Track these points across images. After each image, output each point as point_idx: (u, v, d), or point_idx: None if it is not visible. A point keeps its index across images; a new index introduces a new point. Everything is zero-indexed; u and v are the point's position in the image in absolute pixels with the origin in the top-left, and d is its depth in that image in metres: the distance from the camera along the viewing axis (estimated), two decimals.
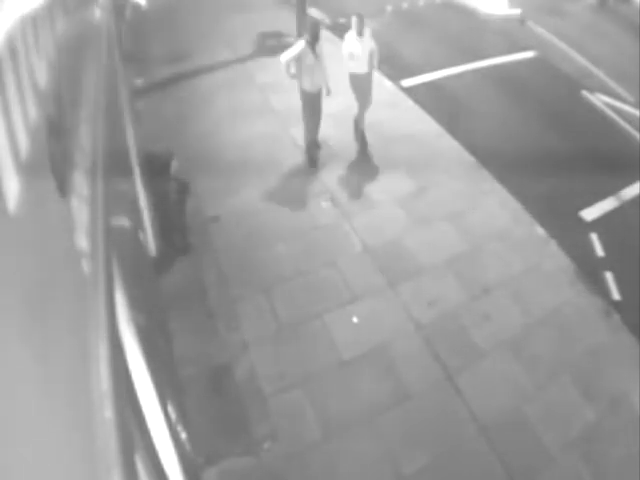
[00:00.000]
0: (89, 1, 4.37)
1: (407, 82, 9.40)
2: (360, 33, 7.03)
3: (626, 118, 8.60)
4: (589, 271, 5.79)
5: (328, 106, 7.28)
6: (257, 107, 8.65)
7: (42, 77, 1.69)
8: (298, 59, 6.74)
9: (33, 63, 1.59)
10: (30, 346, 1.10)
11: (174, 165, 5.99)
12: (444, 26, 11.99)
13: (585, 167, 7.24)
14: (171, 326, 4.95)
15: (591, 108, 8.94)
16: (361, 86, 7.28)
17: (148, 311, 3.64)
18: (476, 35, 11.44)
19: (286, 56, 6.79)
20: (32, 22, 1.69)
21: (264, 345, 4.95)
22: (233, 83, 9.41)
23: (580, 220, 6.50)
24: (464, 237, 6.15)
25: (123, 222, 3.53)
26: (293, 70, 6.86)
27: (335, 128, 7.78)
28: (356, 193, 6.87)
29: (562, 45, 10.94)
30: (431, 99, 8.87)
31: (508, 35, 11.51)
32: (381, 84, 8.81)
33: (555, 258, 5.91)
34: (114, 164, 2.95)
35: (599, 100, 9.06)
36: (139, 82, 9.12)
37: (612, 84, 9.51)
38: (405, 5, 13.11)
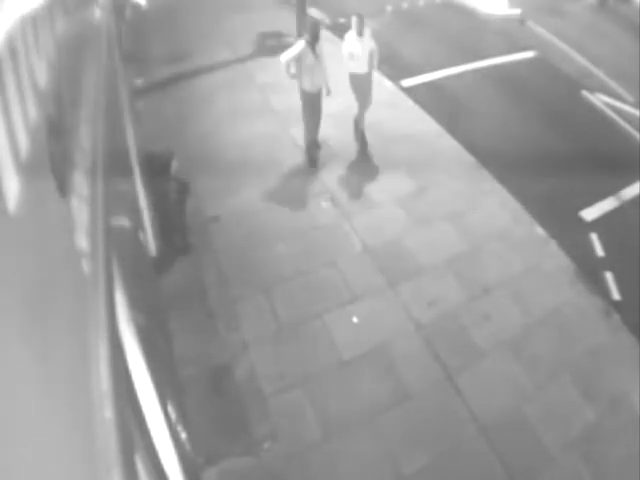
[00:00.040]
0: (89, 1, 4.37)
1: (407, 82, 9.40)
2: (360, 33, 7.03)
3: (626, 118, 8.60)
4: (589, 271, 5.79)
5: (328, 106, 7.28)
6: (257, 107, 8.65)
7: (42, 77, 1.69)
8: (298, 59, 6.74)
9: (33, 63, 1.59)
10: (30, 346, 1.10)
11: (174, 165, 5.99)
12: (444, 26, 11.99)
13: (585, 167, 7.24)
14: (171, 326, 4.95)
15: (591, 108, 8.94)
16: (361, 86, 7.29)
17: (148, 311, 3.64)
18: (476, 35, 11.44)
19: (286, 56, 6.79)
20: (32, 22, 1.69)
21: (264, 345, 4.95)
22: (233, 83, 9.41)
23: (580, 220, 6.50)
24: (464, 237, 6.15)
25: (123, 222, 3.53)
26: (293, 70, 6.86)
27: (335, 128, 7.78)
28: (356, 193, 6.87)
29: (562, 45, 10.94)
30: (431, 99, 8.87)
31: (508, 35, 11.50)
32: (381, 84, 8.81)
33: (555, 258, 5.91)
34: (114, 164, 2.94)
35: (599, 100, 9.06)
36: (139, 82, 9.12)
37: (612, 84, 9.51)
38: (405, 5, 13.11)
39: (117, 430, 1.43)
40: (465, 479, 4.04)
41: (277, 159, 7.39)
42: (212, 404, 4.45)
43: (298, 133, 7.57)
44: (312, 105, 7.03)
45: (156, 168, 5.60)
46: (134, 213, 4.65)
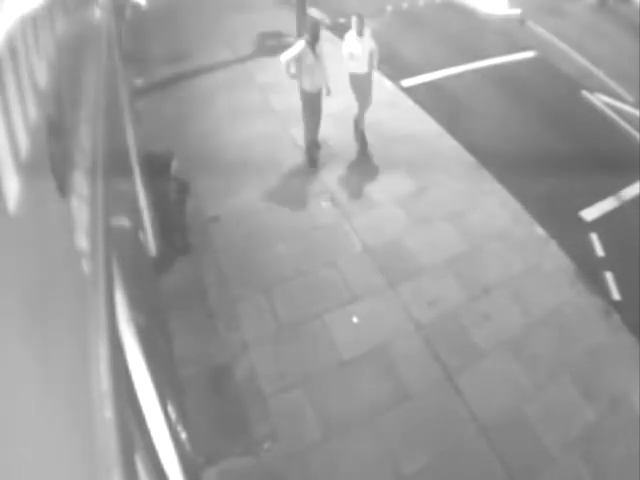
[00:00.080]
0: (89, 1, 4.37)
1: (407, 82, 9.40)
2: (360, 33, 7.03)
3: (626, 118, 8.60)
4: (589, 271, 5.79)
5: (328, 106, 7.28)
6: (257, 107, 8.65)
7: (42, 77, 1.69)
8: (298, 59, 6.74)
9: (33, 63, 1.59)
10: (30, 346, 1.10)
11: (174, 165, 5.99)
12: (444, 26, 11.99)
13: (585, 167, 7.24)
14: (171, 326, 4.95)
15: (591, 108, 8.94)
16: (361, 86, 7.29)
17: (148, 311, 3.64)
18: (476, 35, 11.44)
19: (286, 56, 6.79)
20: (32, 22, 1.69)
21: (264, 345, 4.95)
22: (233, 83, 9.41)
23: (580, 220, 6.50)
24: (464, 237, 6.15)
25: (123, 222, 3.53)
26: (293, 70, 6.86)
27: (335, 128, 7.78)
28: (356, 193, 6.87)
29: (562, 45, 10.94)
30: (431, 99, 8.87)
31: (508, 35, 11.50)
32: (381, 84, 8.81)
33: (555, 258, 5.91)
34: (114, 164, 2.95)
35: (599, 100, 9.06)
36: (139, 82, 9.12)
37: (612, 84, 9.51)
38: (405, 5, 13.11)
39: (117, 430, 1.43)
40: (465, 479, 4.04)
41: (277, 159, 7.39)
42: (212, 404, 4.45)
43: (298, 133, 7.57)
44: (312, 105, 7.03)
45: (156, 168, 5.60)
46: (134, 213, 4.65)
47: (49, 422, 1.10)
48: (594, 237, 6.25)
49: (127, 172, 4.70)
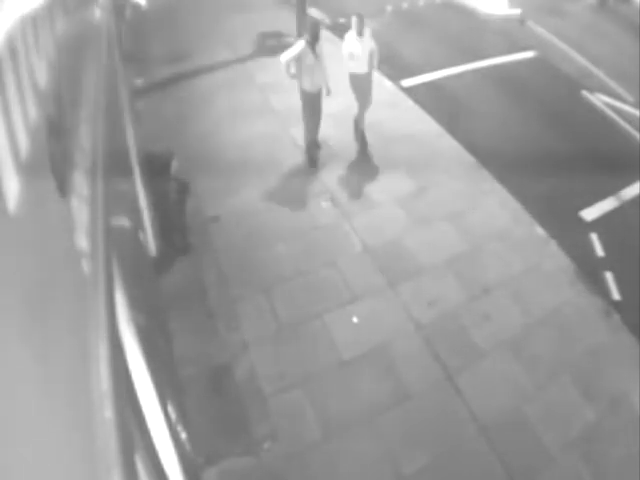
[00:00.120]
0: (89, 1, 4.37)
1: (407, 82, 9.40)
2: (360, 33, 7.03)
3: (626, 118, 8.60)
4: (589, 271, 5.79)
5: (328, 106, 7.28)
6: (257, 107, 8.65)
7: (42, 77, 1.69)
8: (298, 59, 6.74)
9: (33, 63, 1.59)
10: (30, 346, 1.10)
11: (174, 165, 5.99)
12: (444, 26, 11.99)
13: (585, 167, 7.24)
14: (171, 326, 4.95)
15: (591, 108, 8.94)
16: (361, 86, 7.29)
17: (148, 311, 3.64)
18: (476, 35, 11.44)
19: (286, 56, 6.78)
20: (32, 22, 1.69)
21: (264, 345, 4.95)
22: (233, 83, 9.41)
23: (580, 220, 6.50)
24: (464, 237, 6.15)
25: (123, 222, 3.53)
26: (293, 70, 6.86)
27: (335, 128, 7.78)
28: (356, 193, 6.87)
29: (562, 45, 10.94)
30: (431, 99, 8.87)
31: (508, 35, 11.50)
32: (381, 84, 8.81)
33: (555, 258, 5.91)
34: (114, 164, 2.95)
35: (599, 100, 9.06)
36: (139, 82, 9.12)
37: (612, 84, 9.51)
38: (405, 5, 13.11)
39: (117, 430, 1.43)
40: (465, 479, 4.04)
41: (277, 159, 7.39)
42: (212, 404, 4.45)
43: (298, 133, 7.57)
44: (312, 105, 7.03)
45: (156, 168, 5.60)
46: (134, 213, 4.65)
47: (49, 422, 1.10)
48: (594, 237, 6.25)
49: (127, 172, 4.70)
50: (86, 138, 2.35)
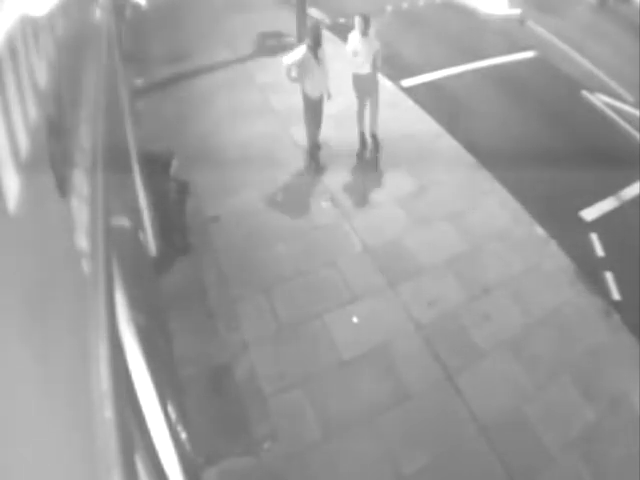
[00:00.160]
0: (89, 1, 4.37)
1: (407, 82, 9.40)
2: (364, 33, 6.98)
3: (626, 118, 8.60)
4: (589, 271, 5.79)
5: (328, 107, 7.27)
6: (257, 107, 8.64)
7: (42, 77, 1.69)
8: (300, 64, 6.69)
9: (33, 63, 1.59)
10: (30, 346, 1.10)
11: (174, 165, 5.99)
12: (444, 26, 11.98)
13: (585, 167, 7.23)
14: (171, 326, 4.94)
15: (591, 108, 8.93)
16: (364, 87, 7.25)
17: (148, 311, 3.64)
18: (476, 35, 11.43)
19: (288, 60, 6.75)
20: (32, 22, 1.69)
21: (264, 345, 4.95)
22: (233, 83, 9.40)
23: (580, 220, 6.50)
24: (464, 237, 6.15)
25: (123, 222, 3.53)
26: (294, 74, 6.82)
27: (336, 129, 7.77)
28: (356, 193, 6.87)
29: (562, 45, 10.94)
30: (431, 99, 8.86)
31: (508, 35, 11.50)
32: (381, 84, 8.79)
33: (555, 258, 5.91)
34: (114, 164, 2.95)
35: (599, 100, 9.06)
36: (139, 82, 9.12)
37: (612, 84, 9.51)
38: (405, 5, 13.11)
39: (117, 430, 1.43)
40: (465, 479, 4.04)
41: (277, 159, 7.39)
42: (212, 404, 4.45)
43: (298, 133, 7.57)
44: (314, 109, 7.00)
45: (156, 168, 5.60)
46: (134, 213, 4.65)
47: (49, 422, 1.10)
48: (594, 237, 6.25)
49: (127, 172, 4.69)
50: (86, 138, 2.35)
